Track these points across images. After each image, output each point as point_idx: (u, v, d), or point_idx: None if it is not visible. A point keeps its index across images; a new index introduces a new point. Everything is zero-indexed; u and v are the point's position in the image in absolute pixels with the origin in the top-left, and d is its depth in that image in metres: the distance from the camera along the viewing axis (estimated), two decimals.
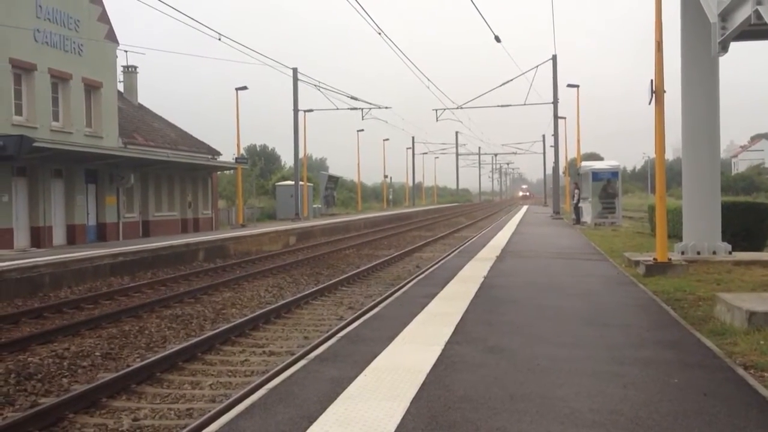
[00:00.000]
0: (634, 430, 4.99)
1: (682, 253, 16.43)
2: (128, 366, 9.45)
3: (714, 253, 16.36)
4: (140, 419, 7.41)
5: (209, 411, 7.24)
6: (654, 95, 14.92)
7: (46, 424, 7.16)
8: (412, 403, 5.66)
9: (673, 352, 7.46)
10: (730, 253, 16.45)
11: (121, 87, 38.01)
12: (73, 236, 28.52)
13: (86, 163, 28.84)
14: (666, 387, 6.15)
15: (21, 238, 25.84)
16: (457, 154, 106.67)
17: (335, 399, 5.80)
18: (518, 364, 6.96)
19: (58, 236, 27.85)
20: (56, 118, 28.72)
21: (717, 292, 11.06)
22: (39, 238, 26.48)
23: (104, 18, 31.69)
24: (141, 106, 41.26)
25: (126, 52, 40.49)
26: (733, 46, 11.21)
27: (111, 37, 32.21)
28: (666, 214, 15.73)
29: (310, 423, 5.21)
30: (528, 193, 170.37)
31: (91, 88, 30.87)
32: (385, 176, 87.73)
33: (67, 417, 7.41)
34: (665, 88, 14.99)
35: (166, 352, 9.85)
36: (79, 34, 29.47)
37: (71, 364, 9.73)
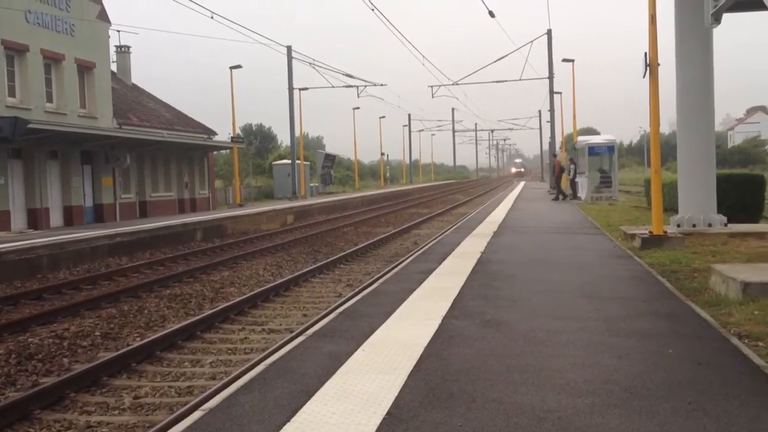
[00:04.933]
0: (629, 400, 5.05)
1: (678, 225, 16.47)
2: (128, 345, 9.51)
3: (710, 225, 16.40)
4: (141, 397, 7.49)
5: (210, 388, 7.31)
6: (648, 68, 14.89)
7: (48, 403, 7.23)
8: (409, 376, 5.72)
9: (668, 323, 7.52)
10: (725, 225, 16.49)
11: (114, 67, 37.86)
12: (71, 217, 28.54)
13: (82, 144, 28.79)
14: (661, 357, 6.21)
15: (18, 220, 25.86)
16: (454, 131, 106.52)
17: (333, 373, 5.85)
18: (515, 337, 7.02)
19: (55, 218, 27.87)
20: (50, 100, 28.64)
21: (712, 263, 11.11)
22: (36, 219, 26.50)
23: None
24: (135, 87, 41.10)
25: (118, 32, 40.40)
26: (729, 17, 11.21)
27: (103, 17, 32.02)
28: (662, 188, 15.75)
29: (309, 397, 5.27)
30: (522, 169, 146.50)
31: (85, 69, 30.75)
32: (382, 154, 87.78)
33: (69, 396, 7.47)
34: (660, 61, 14.97)
35: (166, 331, 9.92)
36: (70, 14, 29.30)
37: (71, 344, 9.79)
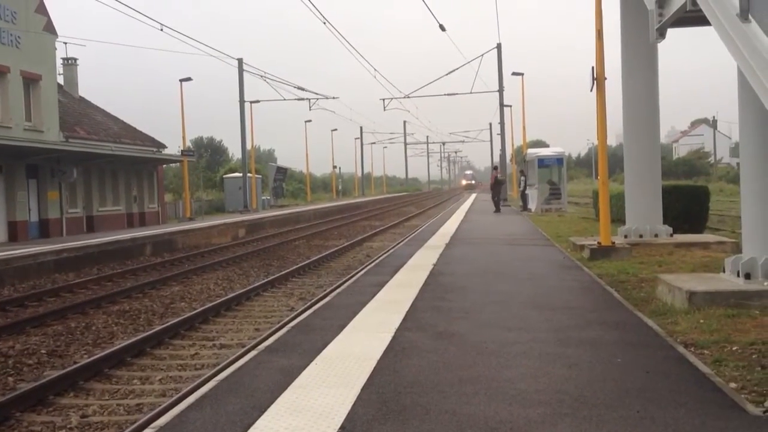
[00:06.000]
0: (579, 409, 5.11)
1: (625, 236, 16.78)
2: (75, 363, 9.31)
3: (656, 235, 16.74)
4: (89, 416, 7.33)
5: (160, 405, 7.19)
6: (595, 82, 15.19)
7: None
8: (363, 389, 5.71)
9: (617, 333, 7.65)
10: (671, 235, 16.85)
11: (61, 80, 37.18)
12: (15, 233, 27.84)
13: (27, 158, 28.16)
14: (610, 366, 6.31)
15: None
16: (406, 143, 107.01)
17: (286, 388, 5.81)
18: (467, 348, 7.06)
19: None
20: None
21: (659, 273, 11.35)
22: None
23: (42, 9, 30.93)
24: (82, 99, 40.41)
25: (65, 44, 39.66)
26: (674, 32, 11.49)
27: (50, 28, 31.46)
28: (609, 199, 16.05)
29: (261, 412, 5.22)
30: (473, 181, 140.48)
31: (30, 81, 30.14)
32: (334, 167, 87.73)
33: (14, 416, 7.28)
34: (607, 75, 15.28)
35: (114, 348, 9.73)
36: (16, 26, 28.73)
37: (17, 363, 9.56)
